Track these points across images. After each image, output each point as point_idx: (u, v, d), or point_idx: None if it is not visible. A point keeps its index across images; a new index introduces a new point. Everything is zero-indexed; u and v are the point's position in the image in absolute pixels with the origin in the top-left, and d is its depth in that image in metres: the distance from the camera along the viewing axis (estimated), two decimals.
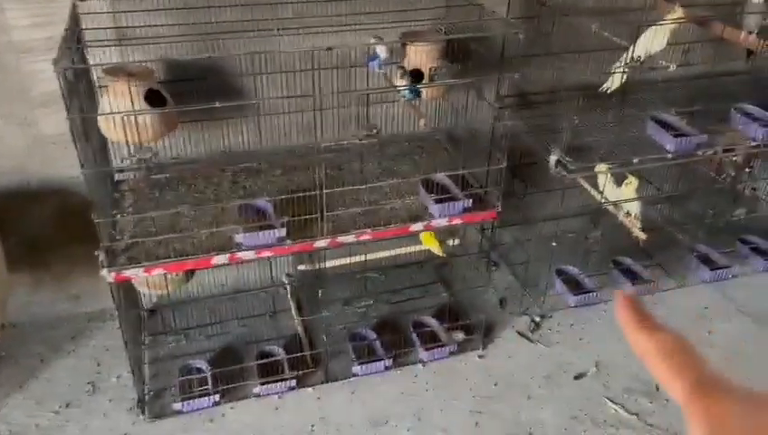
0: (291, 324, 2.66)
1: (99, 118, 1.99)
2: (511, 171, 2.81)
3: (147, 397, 2.33)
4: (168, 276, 2.17)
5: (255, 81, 2.24)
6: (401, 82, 2.10)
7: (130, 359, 2.24)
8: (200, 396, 2.29)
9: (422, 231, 2.29)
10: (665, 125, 2.49)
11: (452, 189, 2.29)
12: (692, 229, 2.98)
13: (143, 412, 2.28)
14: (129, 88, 1.89)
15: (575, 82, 2.52)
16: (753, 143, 2.55)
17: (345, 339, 2.57)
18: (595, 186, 2.60)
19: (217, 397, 2.31)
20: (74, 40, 1.84)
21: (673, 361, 0.41)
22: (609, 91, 2.43)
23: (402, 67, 2.11)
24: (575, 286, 2.79)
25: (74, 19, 1.99)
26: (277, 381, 2.36)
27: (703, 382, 0.40)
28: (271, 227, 2.07)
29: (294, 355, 2.43)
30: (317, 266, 2.45)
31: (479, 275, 2.70)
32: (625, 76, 2.30)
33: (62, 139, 2.33)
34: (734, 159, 2.77)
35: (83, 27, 2.07)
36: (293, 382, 2.38)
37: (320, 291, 2.31)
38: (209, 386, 2.31)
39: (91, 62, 1.98)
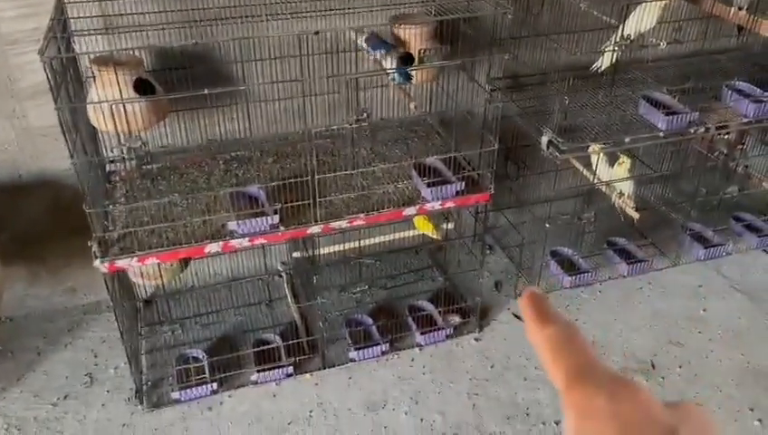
0: (287, 312, 2.66)
1: (88, 108, 1.98)
2: (504, 154, 2.82)
3: (144, 387, 2.34)
4: (163, 266, 2.17)
5: (245, 68, 2.22)
6: (389, 64, 2.09)
7: (127, 349, 2.24)
8: (198, 385, 2.29)
9: (415, 215, 2.29)
10: (656, 104, 2.49)
11: (444, 173, 2.29)
12: (685, 208, 2.99)
13: (141, 402, 2.29)
14: (118, 77, 1.87)
15: (566, 62, 2.51)
16: (745, 120, 2.55)
17: (341, 325, 2.58)
18: (588, 167, 2.60)
19: (215, 385, 2.31)
20: (60, 29, 1.82)
21: (557, 352, 0.42)
22: (600, 71, 2.43)
23: (392, 45, 2.10)
24: (570, 267, 2.80)
25: (60, 8, 1.97)
26: (274, 368, 2.37)
27: (579, 372, 0.41)
28: (264, 214, 2.07)
29: (291, 342, 2.43)
30: (312, 254, 2.45)
31: (474, 258, 2.70)
32: (616, 55, 2.30)
33: (52, 131, 2.32)
34: (726, 136, 2.77)
35: (69, 16, 2.05)
36: (291, 369, 2.38)
37: (315, 277, 2.31)
38: (207, 375, 2.31)
39: (78, 52, 1.96)
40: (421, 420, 2.28)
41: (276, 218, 2.06)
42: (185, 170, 2.38)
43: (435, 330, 2.56)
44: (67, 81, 1.87)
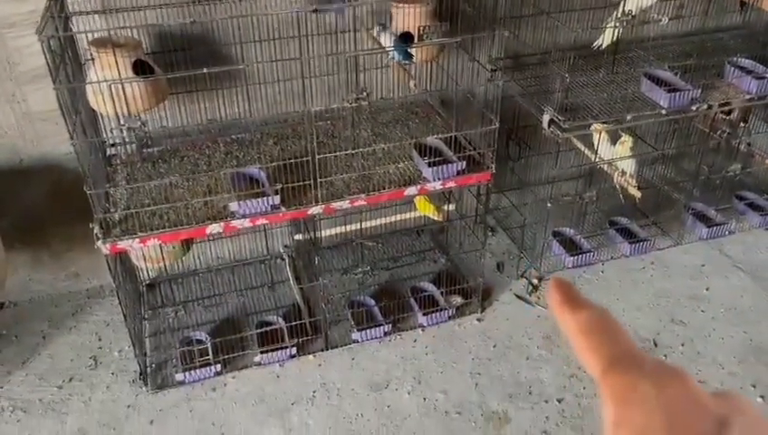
0: (289, 294, 2.67)
1: (88, 91, 1.98)
2: (506, 135, 2.81)
3: (149, 369, 2.35)
4: (165, 249, 2.17)
5: (243, 49, 2.21)
6: (383, 39, 2.08)
7: (131, 332, 2.25)
8: (202, 366, 2.31)
9: (416, 195, 2.29)
10: (658, 81, 2.47)
11: (445, 152, 2.29)
12: (687, 187, 2.98)
13: (146, 384, 2.30)
14: (116, 59, 1.87)
15: (567, 41, 2.49)
16: (748, 96, 2.53)
17: (344, 306, 2.58)
18: (590, 146, 2.59)
19: (219, 367, 2.33)
20: (58, 9, 1.82)
21: (591, 339, 0.41)
22: (601, 48, 2.41)
23: (381, 24, 2.09)
24: (572, 248, 2.79)
25: None
26: (277, 349, 2.38)
27: (616, 360, 0.39)
28: (265, 194, 2.07)
29: (294, 324, 2.44)
30: (314, 236, 2.45)
31: (476, 239, 2.70)
32: (617, 32, 2.28)
33: (52, 115, 2.31)
34: (728, 117, 2.75)
35: None
36: (294, 350, 2.39)
37: (316, 258, 2.31)
38: (210, 356, 2.32)
39: (76, 31, 1.96)
40: (424, 399, 2.29)
41: (277, 199, 2.06)
42: (185, 153, 2.37)
43: (437, 311, 2.56)
44: (65, 62, 1.86)
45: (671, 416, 0.36)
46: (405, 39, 2.23)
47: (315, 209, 2.12)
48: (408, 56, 2.16)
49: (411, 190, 2.22)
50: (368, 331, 2.48)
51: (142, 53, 2.06)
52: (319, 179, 2.09)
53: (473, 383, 2.35)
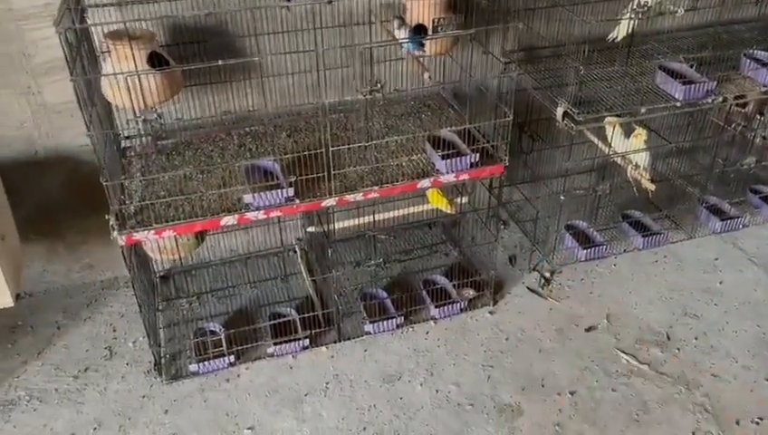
0: (302, 286, 2.68)
1: (103, 84, 1.99)
2: (518, 128, 2.80)
3: (163, 360, 2.37)
4: (180, 241, 2.18)
5: (258, 41, 2.22)
6: (400, 34, 2.08)
7: (146, 323, 2.27)
8: (216, 357, 2.32)
9: (430, 187, 2.29)
10: (673, 74, 2.45)
11: (459, 145, 2.28)
12: (701, 180, 2.96)
13: (160, 374, 2.32)
14: (133, 51, 1.87)
15: (581, 33, 2.48)
16: (764, 89, 2.51)
17: (356, 299, 2.59)
18: (603, 139, 2.58)
19: (232, 358, 2.34)
20: (74, 2, 1.82)
21: None
22: (616, 40, 2.39)
23: (400, 17, 2.08)
24: (585, 241, 2.78)
25: None
26: (290, 341, 2.39)
27: None
28: (279, 187, 2.08)
29: (306, 315, 2.45)
30: (327, 228, 2.45)
31: (488, 232, 2.70)
32: (632, 24, 2.26)
33: (67, 107, 2.33)
34: (743, 109, 2.73)
35: None
36: (306, 342, 2.41)
37: (329, 250, 2.31)
38: (224, 348, 2.34)
39: (93, 23, 1.97)
40: (437, 391, 2.29)
41: (291, 191, 2.07)
42: (199, 145, 2.38)
43: (449, 303, 2.57)
44: (82, 54, 1.87)
45: None
46: (418, 31, 2.22)
47: (329, 201, 2.13)
48: (420, 45, 2.16)
49: (425, 183, 2.22)
50: (380, 323, 2.48)
51: (157, 45, 2.07)
52: (332, 172, 2.09)
53: (485, 376, 2.35)
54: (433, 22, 2.10)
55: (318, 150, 2.06)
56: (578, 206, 2.84)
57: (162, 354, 2.39)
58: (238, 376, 2.34)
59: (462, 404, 2.25)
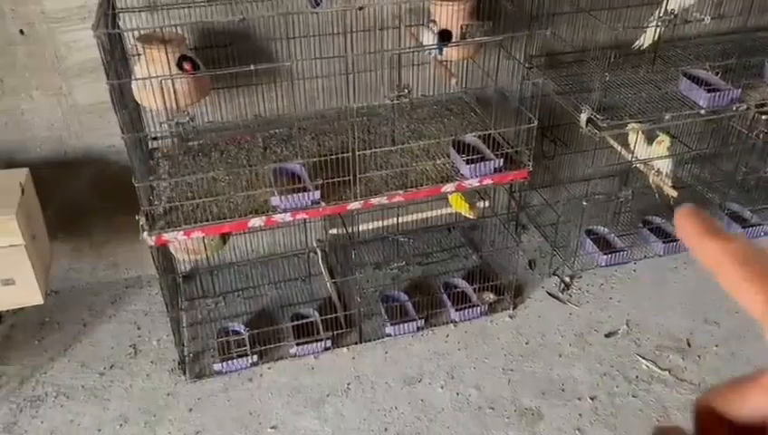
0: (324, 288, 2.71)
1: (134, 86, 2.02)
2: (541, 132, 2.81)
3: (187, 359, 2.40)
4: (206, 241, 2.21)
5: (286, 46, 2.24)
6: (428, 39, 2.09)
7: (171, 322, 2.30)
8: (239, 357, 2.35)
9: (453, 192, 2.31)
10: (698, 81, 2.45)
11: (483, 150, 2.30)
12: (723, 187, 2.95)
13: (184, 373, 2.35)
14: (167, 54, 1.91)
15: (606, 39, 2.49)
16: None
17: (377, 301, 2.61)
18: (625, 145, 2.58)
19: (255, 358, 2.37)
20: (109, 6, 1.86)
21: (750, 268, 0.35)
22: (642, 48, 2.40)
23: (433, 21, 2.10)
24: (605, 246, 2.79)
25: None
26: (313, 341, 2.42)
27: None
28: (305, 189, 2.10)
29: (328, 317, 2.47)
30: (351, 231, 2.48)
31: (508, 236, 2.72)
32: (659, 31, 2.27)
33: (97, 108, 2.37)
34: (766, 116, 2.72)
35: None
36: (328, 343, 2.43)
37: (353, 253, 2.34)
38: (247, 347, 2.37)
39: (127, 28, 2.00)
40: (457, 394, 2.31)
41: (318, 194, 2.09)
42: (225, 148, 2.41)
43: (469, 307, 2.58)
44: (115, 57, 1.90)
45: None
46: (443, 36, 2.24)
47: (354, 205, 2.15)
48: (441, 50, 2.18)
49: (448, 187, 2.24)
50: (401, 325, 2.50)
51: (186, 48, 2.10)
52: (358, 175, 2.12)
53: (505, 379, 2.37)
54: (461, 28, 2.11)
55: (345, 154, 2.08)
56: (598, 211, 2.84)
57: (186, 353, 2.42)
58: (261, 376, 2.37)
59: (482, 407, 2.26)
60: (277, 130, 2.48)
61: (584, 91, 2.48)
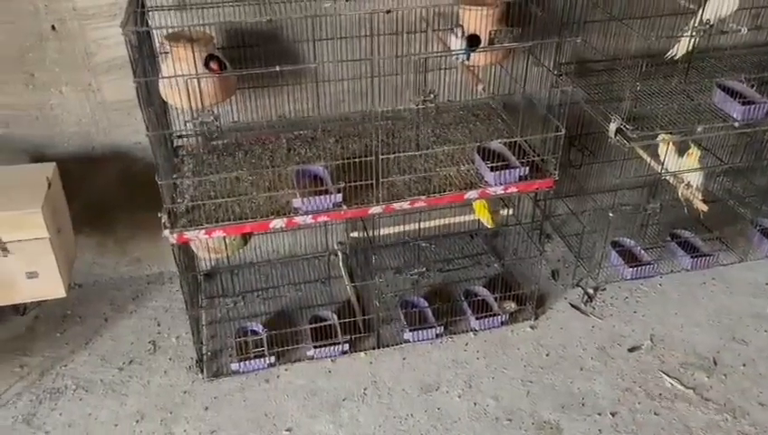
0: (343, 291, 2.69)
1: (160, 84, 2.03)
2: (568, 141, 2.76)
3: (205, 357, 2.41)
4: (227, 240, 2.22)
5: (314, 47, 2.24)
6: (456, 44, 2.07)
7: (190, 320, 2.31)
8: (256, 357, 2.35)
9: (477, 199, 2.28)
10: (732, 93, 2.39)
11: (508, 157, 2.27)
12: (756, 203, 2.87)
13: (201, 371, 2.36)
14: (194, 53, 1.91)
15: (639, 48, 2.44)
16: None
17: (396, 306, 2.59)
18: (655, 156, 2.53)
19: (273, 359, 2.36)
20: (138, 4, 1.87)
21: None
22: (675, 57, 2.34)
23: (460, 26, 2.08)
24: (631, 259, 2.73)
25: None
26: (330, 344, 2.40)
27: None
28: (327, 192, 2.09)
29: (346, 320, 2.46)
30: (372, 234, 2.46)
31: (531, 246, 2.67)
32: (693, 41, 2.21)
33: (124, 105, 2.39)
34: None
35: None
36: (346, 346, 2.42)
37: (374, 257, 2.32)
38: (265, 348, 2.36)
39: (157, 26, 2.01)
40: (474, 404, 2.28)
41: (339, 197, 2.08)
42: (249, 147, 2.42)
43: (490, 316, 2.55)
44: (143, 55, 1.91)
45: None
46: (472, 41, 2.22)
47: (376, 209, 2.13)
48: (469, 55, 2.16)
49: (472, 194, 2.21)
50: (420, 332, 2.48)
51: (213, 47, 2.10)
52: (381, 179, 2.10)
53: (524, 391, 2.33)
54: (490, 33, 2.08)
55: (368, 158, 2.07)
56: (625, 222, 2.78)
57: (204, 352, 2.43)
58: (278, 377, 2.37)
59: (500, 418, 2.23)
60: (301, 132, 2.48)
61: (614, 101, 2.43)
